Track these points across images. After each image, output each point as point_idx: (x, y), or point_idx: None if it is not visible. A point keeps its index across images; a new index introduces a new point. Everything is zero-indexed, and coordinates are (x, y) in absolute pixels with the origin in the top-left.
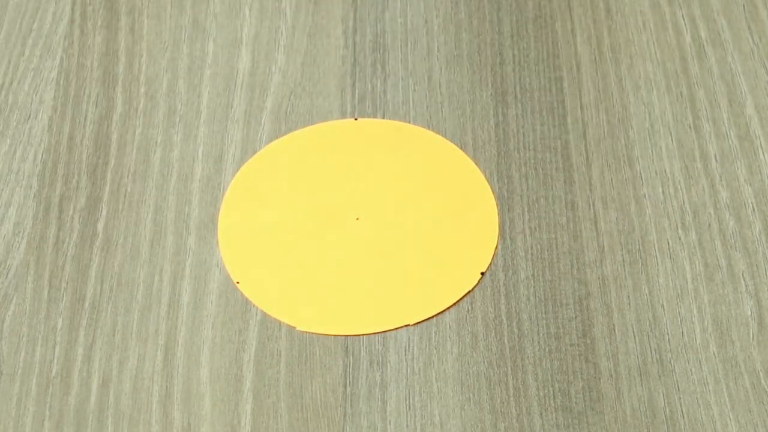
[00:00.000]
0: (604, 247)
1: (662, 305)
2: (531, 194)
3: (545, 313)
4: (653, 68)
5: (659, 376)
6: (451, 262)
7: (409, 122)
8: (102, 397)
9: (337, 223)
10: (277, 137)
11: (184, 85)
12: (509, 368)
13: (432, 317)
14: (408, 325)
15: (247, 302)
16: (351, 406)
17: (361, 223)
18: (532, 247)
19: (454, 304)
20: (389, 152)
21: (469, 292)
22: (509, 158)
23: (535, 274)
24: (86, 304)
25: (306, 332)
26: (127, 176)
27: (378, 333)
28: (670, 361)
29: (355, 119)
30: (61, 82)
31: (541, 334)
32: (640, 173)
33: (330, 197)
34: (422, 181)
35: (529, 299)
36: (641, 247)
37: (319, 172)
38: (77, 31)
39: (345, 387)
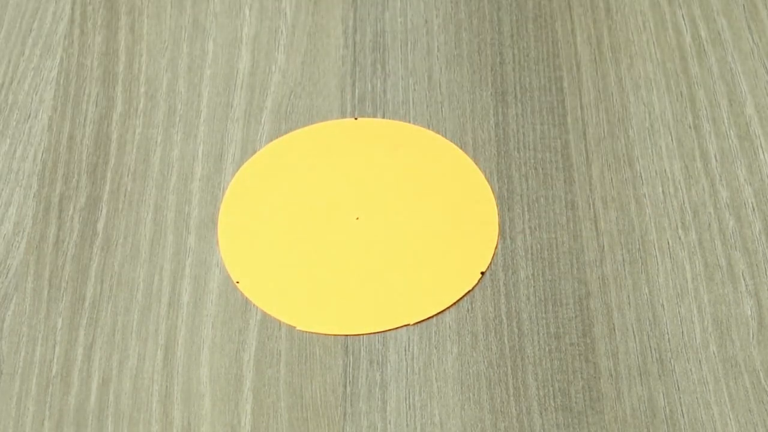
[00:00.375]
0: (604, 246)
1: (662, 305)
2: (531, 194)
3: (545, 313)
4: (653, 68)
5: (659, 375)
6: (451, 261)
7: (409, 122)
8: (102, 396)
9: (337, 222)
10: (277, 137)
11: (184, 84)
12: (509, 368)
13: (432, 317)
14: (408, 324)
15: (246, 302)
16: (351, 405)
17: (361, 223)
18: (532, 247)
19: (454, 303)
20: (389, 152)
21: (469, 291)
22: (509, 158)
23: (535, 274)
24: (86, 304)
25: (306, 332)
26: (127, 176)
27: (378, 333)
28: (670, 361)
29: (355, 119)
30: (61, 81)
31: (541, 334)
32: (640, 173)
33: (330, 197)
34: (422, 181)
35: (529, 299)
36: (641, 247)
37: (319, 171)
38: (77, 30)
39: (345, 386)
